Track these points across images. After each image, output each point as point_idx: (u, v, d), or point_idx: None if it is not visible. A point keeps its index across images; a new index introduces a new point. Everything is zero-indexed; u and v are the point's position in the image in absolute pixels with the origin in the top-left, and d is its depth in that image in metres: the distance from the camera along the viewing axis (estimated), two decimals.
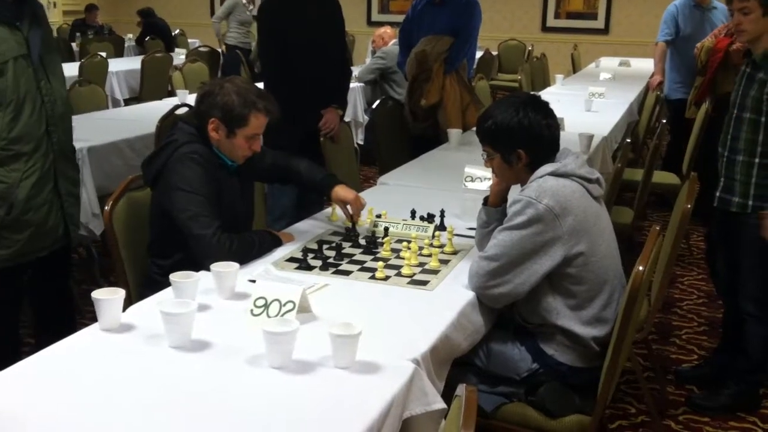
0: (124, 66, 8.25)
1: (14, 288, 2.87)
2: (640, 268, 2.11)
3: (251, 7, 8.37)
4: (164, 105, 5.30)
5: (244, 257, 2.43)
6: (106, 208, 2.58)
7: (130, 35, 11.02)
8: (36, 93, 2.70)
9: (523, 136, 2.36)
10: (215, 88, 2.56)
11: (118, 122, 5.04)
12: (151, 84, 7.56)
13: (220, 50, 9.16)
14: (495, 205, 2.52)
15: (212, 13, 11.48)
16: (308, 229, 2.81)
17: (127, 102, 7.74)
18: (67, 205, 2.88)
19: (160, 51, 8.49)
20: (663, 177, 5.25)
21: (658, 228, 2.39)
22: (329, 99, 4.06)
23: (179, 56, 8.85)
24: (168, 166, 2.52)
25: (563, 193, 2.26)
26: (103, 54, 8.09)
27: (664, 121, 4.99)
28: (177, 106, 4.44)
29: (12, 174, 2.67)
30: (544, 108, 2.41)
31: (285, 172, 2.91)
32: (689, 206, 2.76)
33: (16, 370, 1.76)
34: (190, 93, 5.97)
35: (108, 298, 1.95)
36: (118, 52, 10.22)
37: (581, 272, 2.29)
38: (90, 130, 4.36)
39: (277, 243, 2.63)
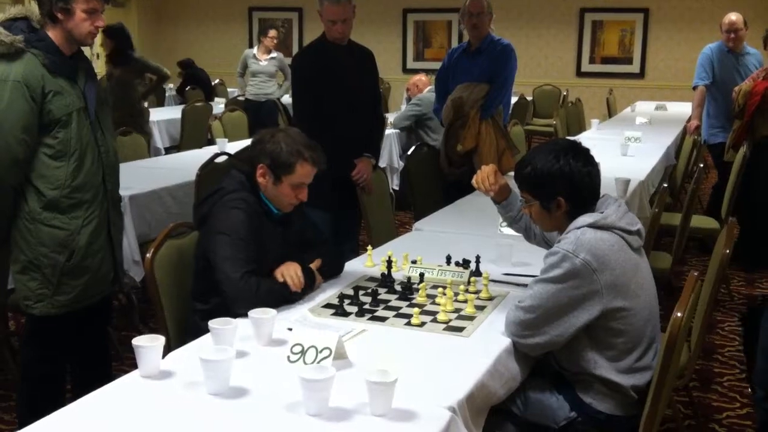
0: (166, 115, 8.41)
1: (67, 334, 2.93)
2: (678, 314, 2.08)
3: (267, 56, 8.52)
4: (204, 153, 5.38)
5: (270, 302, 2.36)
6: (148, 255, 2.62)
7: (171, 85, 11.25)
8: (94, 144, 2.82)
9: (562, 184, 2.34)
10: (266, 136, 2.66)
11: (159, 171, 5.14)
12: (192, 133, 7.69)
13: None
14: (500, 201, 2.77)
15: None
16: (344, 274, 2.83)
17: (168, 150, 7.87)
18: (117, 252, 2.98)
19: (200, 100, 8.64)
20: (702, 221, 5.20)
21: (696, 273, 2.36)
22: (362, 147, 4.11)
23: (218, 105, 9.02)
24: (213, 211, 2.61)
25: (601, 248, 2.23)
26: (145, 104, 8.26)
27: (702, 165, 4.96)
28: (216, 155, 4.52)
29: (74, 221, 2.78)
30: (585, 155, 2.38)
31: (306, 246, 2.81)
32: (728, 251, 2.73)
33: (58, 417, 1.79)
34: (230, 141, 6.07)
35: (148, 345, 1.98)
36: (160, 101, 10.45)
37: (620, 325, 2.26)
38: (131, 179, 4.43)
39: (309, 284, 2.59)
